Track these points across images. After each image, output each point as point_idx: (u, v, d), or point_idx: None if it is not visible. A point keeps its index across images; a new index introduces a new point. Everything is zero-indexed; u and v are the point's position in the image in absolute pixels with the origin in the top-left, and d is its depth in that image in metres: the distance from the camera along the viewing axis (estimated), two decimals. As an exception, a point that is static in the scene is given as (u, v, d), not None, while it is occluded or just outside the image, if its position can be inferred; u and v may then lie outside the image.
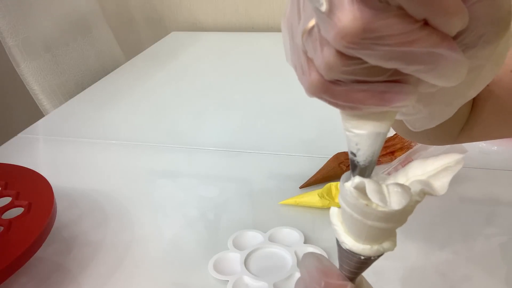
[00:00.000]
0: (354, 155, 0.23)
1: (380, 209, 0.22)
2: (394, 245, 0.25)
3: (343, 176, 0.24)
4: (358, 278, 0.27)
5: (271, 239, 0.55)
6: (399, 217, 0.23)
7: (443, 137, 0.44)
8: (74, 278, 0.53)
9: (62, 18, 1.20)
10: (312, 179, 0.66)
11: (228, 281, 0.49)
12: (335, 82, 0.20)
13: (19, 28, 1.05)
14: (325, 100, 0.22)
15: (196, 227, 0.60)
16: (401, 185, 0.22)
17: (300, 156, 0.75)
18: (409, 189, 0.22)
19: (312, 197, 0.60)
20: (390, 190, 0.22)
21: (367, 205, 0.22)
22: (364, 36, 0.17)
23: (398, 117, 0.30)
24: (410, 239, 0.54)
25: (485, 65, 0.22)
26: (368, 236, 0.24)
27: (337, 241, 0.26)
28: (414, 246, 0.54)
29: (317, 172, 0.66)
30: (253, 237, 0.56)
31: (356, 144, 0.23)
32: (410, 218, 0.24)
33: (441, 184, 0.22)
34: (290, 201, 0.62)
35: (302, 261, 0.29)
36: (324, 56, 0.19)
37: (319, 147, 0.76)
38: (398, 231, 0.24)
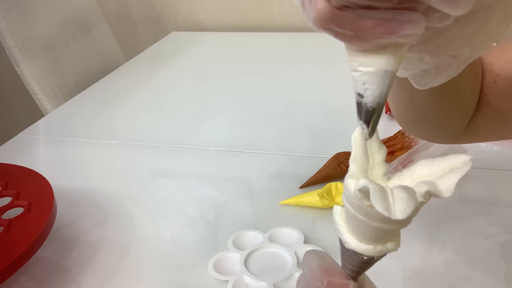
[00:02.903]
0: (361, 96, 0.23)
1: None
2: (398, 245, 0.24)
3: (347, 176, 0.24)
4: (361, 277, 0.27)
5: (271, 239, 0.55)
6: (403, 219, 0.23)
7: (447, 133, 0.43)
8: (74, 278, 0.53)
9: (62, 18, 1.20)
10: (312, 179, 0.66)
11: (228, 281, 0.49)
12: (343, 8, 0.20)
13: (19, 28, 1.05)
14: (332, 32, 0.21)
15: (196, 227, 0.60)
16: (406, 190, 0.21)
17: (300, 156, 0.75)
18: (414, 193, 0.21)
19: (312, 197, 0.60)
20: (395, 196, 0.21)
21: (371, 206, 0.22)
22: None
23: (402, 73, 0.29)
24: (410, 238, 0.54)
25: (495, 11, 0.22)
26: (372, 237, 0.24)
27: (340, 240, 0.26)
28: (414, 245, 0.54)
29: (317, 172, 0.66)
30: (253, 237, 0.56)
31: (364, 84, 0.22)
32: (411, 218, 0.24)
33: (447, 186, 0.22)
34: (290, 201, 0.62)
35: (304, 259, 0.28)
36: None
37: (319, 147, 0.76)
38: (399, 230, 0.24)
